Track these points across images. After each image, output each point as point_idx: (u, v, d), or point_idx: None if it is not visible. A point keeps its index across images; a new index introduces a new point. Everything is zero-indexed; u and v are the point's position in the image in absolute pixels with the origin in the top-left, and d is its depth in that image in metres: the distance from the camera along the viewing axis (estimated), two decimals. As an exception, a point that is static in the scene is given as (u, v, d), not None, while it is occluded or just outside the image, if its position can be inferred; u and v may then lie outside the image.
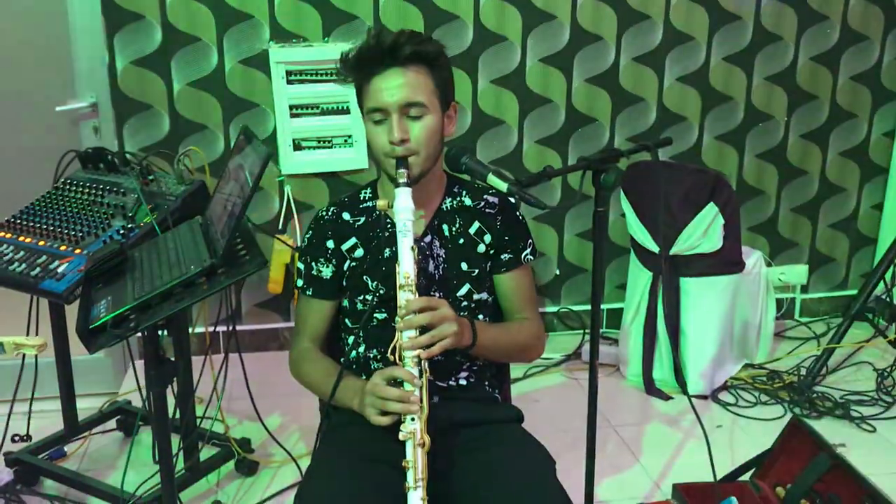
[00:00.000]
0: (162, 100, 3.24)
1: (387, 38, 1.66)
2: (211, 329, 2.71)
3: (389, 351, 1.59)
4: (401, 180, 1.64)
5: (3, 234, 2.37)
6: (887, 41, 3.66)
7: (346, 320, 1.88)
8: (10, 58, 3.03)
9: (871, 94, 3.73)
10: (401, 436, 1.52)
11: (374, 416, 1.58)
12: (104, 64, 3.15)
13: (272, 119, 3.31)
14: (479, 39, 3.36)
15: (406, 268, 1.59)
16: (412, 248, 1.60)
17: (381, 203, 1.65)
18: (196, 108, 3.28)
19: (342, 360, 1.82)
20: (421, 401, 1.54)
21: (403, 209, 1.61)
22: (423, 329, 1.59)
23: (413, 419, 1.53)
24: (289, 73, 3.25)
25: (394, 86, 1.65)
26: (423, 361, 1.57)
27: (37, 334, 2.44)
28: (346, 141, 3.35)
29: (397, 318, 1.58)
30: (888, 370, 3.25)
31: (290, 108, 3.29)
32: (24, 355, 2.49)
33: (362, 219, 1.84)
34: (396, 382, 1.58)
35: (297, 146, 3.34)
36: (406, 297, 1.58)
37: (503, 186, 1.63)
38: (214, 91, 3.26)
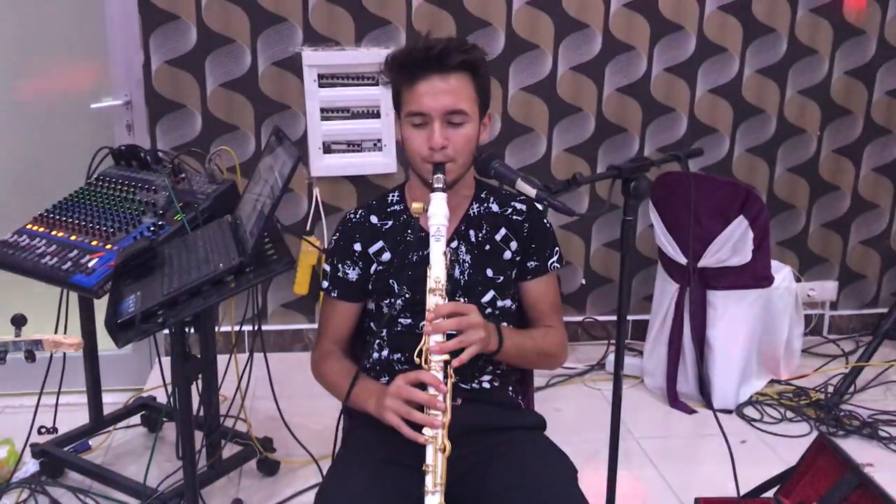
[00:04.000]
0: (195, 99, 3.28)
1: (437, 44, 1.66)
2: (237, 328, 2.73)
3: (416, 354, 1.58)
4: (437, 185, 1.64)
5: (36, 228, 2.41)
6: (925, 57, 3.62)
7: (371, 323, 1.88)
8: (47, 55, 3.08)
9: (907, 110, 3.68)
10: (422, 439, 1.52)
11: (391, 418, 1.58)
12: (139, 63, 3.19)
13: (303, 121, 3.33)
14: (510, 47, 3.36)
15: (437, 272, 1.59)
16: (444, 252, 1.60)
17: (415, 206, 1.65)
18: (228, 108, 3.30)
19: (363, 362, 1.82)
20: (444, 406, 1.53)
21: (438, 214, 1.61)
22: (450, 334, 1.59)
23: (435, 422, 1.52)
24: (321, 76, 3.27)
25: (439, 92, 1.66)
26: (448, 367, 1.57)
27: (65, 328, 2.47)
28: (375, 145, 3.37)
29: (425, 322, 1.58)
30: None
31: (321, 110, 3.31)
32: (52, 348, 2.54)
33: (390, 222, 1.84)
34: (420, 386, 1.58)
35: (326, 149, 3.35)
36: (435, 301, 1.58)
37: (532, 192, 1.62)
38: (247, 92, 3.29)
